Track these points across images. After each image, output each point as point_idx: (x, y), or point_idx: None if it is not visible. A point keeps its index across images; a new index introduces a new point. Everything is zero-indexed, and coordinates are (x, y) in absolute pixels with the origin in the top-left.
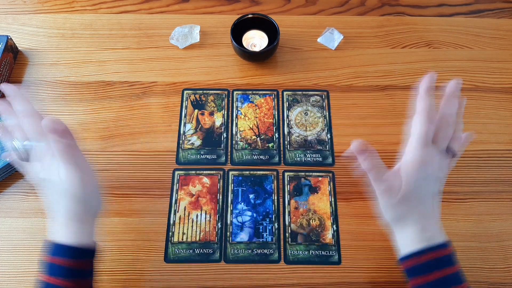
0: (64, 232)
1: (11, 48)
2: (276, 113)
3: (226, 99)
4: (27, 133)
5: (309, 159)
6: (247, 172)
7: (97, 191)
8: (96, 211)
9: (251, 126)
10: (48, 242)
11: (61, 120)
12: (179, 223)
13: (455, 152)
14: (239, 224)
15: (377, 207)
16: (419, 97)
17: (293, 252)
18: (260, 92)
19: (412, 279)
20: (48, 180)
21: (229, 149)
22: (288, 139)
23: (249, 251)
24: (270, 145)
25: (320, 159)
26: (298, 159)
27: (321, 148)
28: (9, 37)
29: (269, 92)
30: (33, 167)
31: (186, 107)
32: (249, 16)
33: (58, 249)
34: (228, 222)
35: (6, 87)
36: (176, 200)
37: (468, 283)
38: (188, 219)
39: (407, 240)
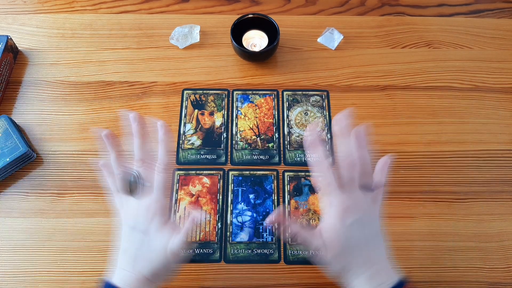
0: (130, 282)
1: (11, 48)
2: (276, 113)
3: (226, 99)
4: (157, 185)
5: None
6: (247, 172)
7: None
8: (167, 280)
9: (251, 126)
10: (108, 285)
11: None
12: (179, 223)
13: (370, 186)
14: (239, 224)
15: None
16: (307, 156)
17: (293, 252)
18: (260, 92)
19: None
20: (149, 237)
21: (229, 149)
22: (288, 139)
23: (249, 251)
24: (270, 145)
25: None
26: (298, 159)
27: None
28: (9, 37)
29: (269, 92)
30: (138, 209)
31: (186, 107)
32: (249, 16)
33: None
34: (228, 222)
35: (163, 131)
36: (176, 200)
37: None
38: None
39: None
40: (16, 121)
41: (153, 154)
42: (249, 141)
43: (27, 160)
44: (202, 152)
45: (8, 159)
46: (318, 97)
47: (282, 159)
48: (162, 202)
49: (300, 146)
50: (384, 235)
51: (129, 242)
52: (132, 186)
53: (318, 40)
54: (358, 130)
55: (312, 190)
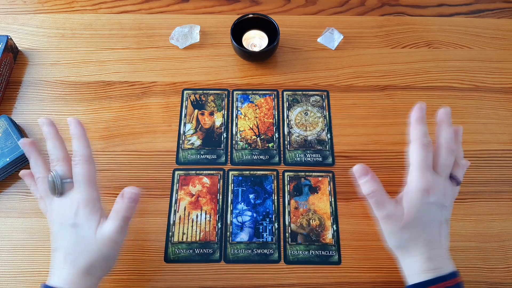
0: (70, 279)
1: (11, 48)
2: (276, 113)
3: (226, 99)
4: (77, 178)
5: (309, 159)
6: (247, 172)
7: (118, 254)
8: (108, 270)
9: (251, 126)
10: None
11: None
12: (179, 223)
13: (458, 179)
14: (239, 224)
15: (381, 233)
16: (411, 126)
17: (293, 252)
18: (260, 92)
19: None
20: (77, 229)
21: (229, 149)
22: (288, 139)
23: (249, 251)
24: (270, 145)
25: (320, 159)
26: (298, 159)
27: (321, 148)
28: (9, 37)
29: (269, 92)
30: (61, 206)
31: (186, 107)
32: (249, 16)
33: None
34: (228, 222)
35: (74, 125)
36: (176, 200)
37: None
38: (188, 219)
39: (413, 270)
40: (16, 121)
41: (69, 151)
42: (249, 141)
43: (27, 160)
44: (202, 152)
45: (8, 159)
46: (318, 97)
47: (282, 159)
48: (85, 194)
49: (300, 146)
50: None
51: (60, 240)
52: (51, 186)
53: (318, 40)
54: (457, 128)
55: (312, 190)
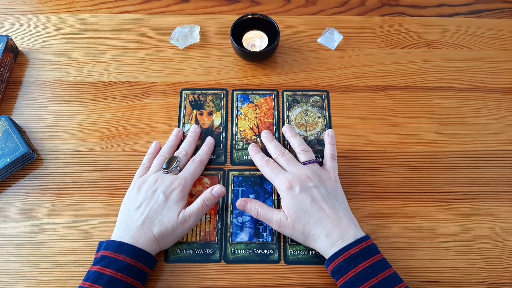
0: (137, 236)
1: (11, 48)
2: (276, 113)
3: (224, 99)
4: (185, 171)
5: None
6: (247, 173)
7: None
8: (170, 245)
9: (251, 126)
10: (118, 242)
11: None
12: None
13: (312, 161)
14: (239, 224)
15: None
16: (251, 154)
17: (293, 252)
18: (260, 92)
19: (337, 282)
20: (168, 201)
21: (229, 149)
22: None
23: (249, 251)
24: None
25: (320, 159)
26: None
27: (321, 148)
28: (9, 37)
29: (269, 92)
30: (164, 178)
31: (185, 107)
32: (249, 16)
33: (126, 248)
34: (228, 222)
35: (210, 138)
36: None
37: (393, 269)
38: None
39: (323, 251)
40: (16, 121)
41: (192, 152)
42: (249, 141)
43: (28, 161)
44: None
45: (8, 160)
46: (318, 97)
47: None
48: (186, 182)
49: None
50: (342, 197)
51: (146, 202)
52: (170, 162)
53: (318, 40)
54: (284, 129)
55: None
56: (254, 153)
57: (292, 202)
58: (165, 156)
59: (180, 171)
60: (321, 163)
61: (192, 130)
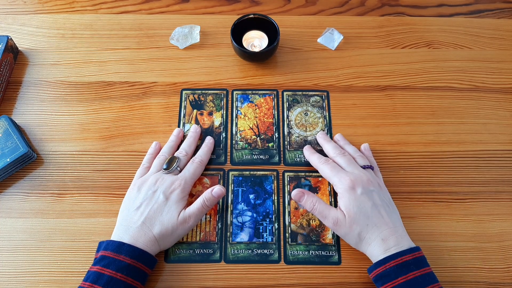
0: (137, 236)
1: (11, 48)
2: (276, 113)
3: (225, 99)
4: (185, 172)
5: None
6: (247, 173)
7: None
8: (171, 245)
9: (251, 126)
10: (117, 242)
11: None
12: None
13: (368, 166)
14: (239, 224)
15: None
16: (307, 155)
17: (293, 252)
18: (259, 92)
19: (385, 285)
20: (168, 201)
21: (229, 149)
22: (288, 140)
23: (249, 251)
24: (270, 144)
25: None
26: (298, 159)
27: (320, 149)
28: (10, 37)
29: (268, 92)
30: (164, 178)
31: (185, 107)
32: (249, 16)
33: (126, 248)
34: (228, 222)
35: (210, 138)
36: None
37: (440, 283)
38: None
39: (375, 256)
40: (16, 122)
41: (192, 152)
42: (249, 141)
43: (28, 161)
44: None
45: (8, 160)
46: (318, 97)
47: (282, 159)
48: (186, 183)
49: (300, 147)
50: (395, 207)
51: (147, 203)
52: (170, 163)
53: (318, 40)
54: (337, 138)
55: (312, 190)
56: (310, 154)
57: (353, 202)
58: (165, 156)
59: (180, 171)
60: (372, 166)
61: (192, 130)
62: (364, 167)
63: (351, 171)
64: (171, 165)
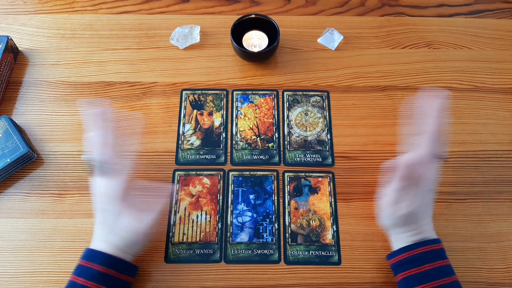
0: (107, 250)
1: (12, 49)
2: (276, 113)
3: (225, 99)
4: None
5: (309, 159)
6: (247, 173)
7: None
8: (142, 250)
9: (251, 126)
10: (88, 250)
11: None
12: (180, 224)
13: (441, 155)
14: (239, 224)
15: (379, 212)
16: (430, 117)
17: (293, 252)
18: (259, 92)
19: (402, 273)
20: (118, 216)
21: (229, 149)
22: (288, 139)
23: (249, 251)
24: (270, 145)
25: (320, 159)
26: (298, 159)
27: (321, 148)
28: (10, 38)
29: (268, 92)
30: (101, 190)
31: (185, 107)
32: (249, 16)
33: (96, 255)
34: (228, 222)
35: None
36: (176, 201)
37: (456, 276)
38: (189, 220)
39: (401, 243)
40: (16, 122)
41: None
42: (249, 141)
43: (28, 161)
44: (201, 152)
45: (8, 160)
46: (318, 98)
47: (282, 159)
48: (122, 185)
49: (300, 147)
50: (433, 194)
51: (103, 218)
52: (98, 168)
53: (318, 40)
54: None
55: (312, 190)
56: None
57: (418, 198)
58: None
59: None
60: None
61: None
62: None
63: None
64: (98, 168)
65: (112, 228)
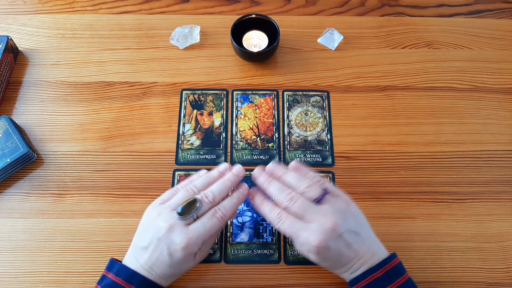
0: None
1: (12, 49)
2: (276, 113)
3: (225, 99)
4: (200, 226)
5: (309, 159)
6: (248, 173)
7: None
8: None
9: (251, 126)
10: (127, 269)
11: None
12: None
13: (319, 198)
14: (239, 224)
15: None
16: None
17: (294, 252)
18: (259, 92)
19: None
20: (171, 257)
21: (229, 149)
22: (288, 139)
23: (249, 251)
24: (270, 145)
25: (320, 159)
26: (298, 159)
27: (321, 148)
28: (10, 38)
29: (268, 92)
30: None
31: (185, 107)
32: (249, 16)
33: (136, 278)
34: (228, 222)
35: (244, 187)
36: None
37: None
38: None
39: (345, 276)
40: (16, 122)
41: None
42: (249, 141)
43: (28, 161)
44: (201, 152)
45: (8, 160)
46: (318, 98)
47: (282, 159)
48: (194, 242)
49: (300, 147)
50: (362, 218)
51: (153, 248)
52: (187, 208)
53: (318, 40)
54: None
55: None
56: (259, 205)
57: (323, 259)
58: (190, 193)
59: (196, 219)
60: (326, 190)
61: (235, 173)
62: (319, 200)
63: (310, 220)
64: (188, 211)
65: (166, 267)
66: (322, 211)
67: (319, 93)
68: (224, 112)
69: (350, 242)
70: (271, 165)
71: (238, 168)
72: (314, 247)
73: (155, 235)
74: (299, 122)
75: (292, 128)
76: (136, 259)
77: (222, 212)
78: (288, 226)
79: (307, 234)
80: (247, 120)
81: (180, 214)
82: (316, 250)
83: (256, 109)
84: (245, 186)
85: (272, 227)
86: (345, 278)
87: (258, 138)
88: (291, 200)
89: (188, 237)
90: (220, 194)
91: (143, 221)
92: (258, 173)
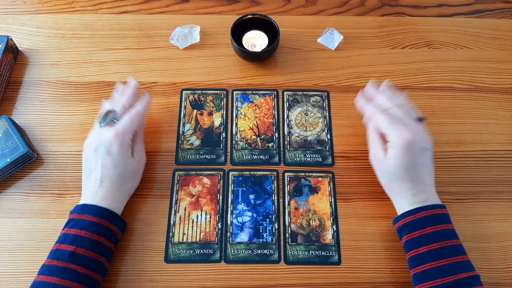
0: (103, 196)
1: (12, 49)
2: (276, 113)
3: (225, 99)
4: (122, 121)
5: (309, 159)
6: (247, 173)
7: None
8: (136, 185)
9: (251, 126)
10: (79, 205)
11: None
12: (179, 224)
13: (422, 118)
14: (239, 224)
15: (376, 173)
16: (364, 108)
17: (293, 252)
18: (259, 92)
19: (406, 236)
20: (111, 156)
21: (229, 149)
22: (288, 139)
23: (249, 251)
24: (270, 144)
25: (320, 159)
26: (298, 159)
27: (321, 148)
28: (10, 38)
29: (268, 92)
30: (100, 135)
31: (185, 107)
32: (249, 16)
33: (87, 208)
34: (228, 222)
35: (147, 97)
36: (176, 201)
37: (460, 240)
38: (189, 220)
39: (402, 205)
40: (16, 122)
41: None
42: (249, 141)
43: (28, 161)
44: (201, 152)
45: (8, 160)
46: (318, 97)
47: (282, 159)
48: (124, 132)
49: (300, 146)
50: (433, 163)
51: (94, 165)
52: (105, 116)
53: (318, 40)
54: (385, 86)
55: (312, 190)
56: (363, 104)
57: (406, 159)
58: (106, 108)
59: (113, 121)
60: (423, 119)
61: (132, 86)
62: (419, 120)
63: (408, 124)
64: (106, 118)
65: (112, 170)
66: (418, 125)
67: (319, 93)
68: (224, 112)
69: (426, 164)
70: (386, 83)
71: (133, 82)
72: (406, 140)
73: (92, 152)
74: (299, 122)
75: (292, 128)
76: (87, 191)
77: (135, 109)
78: (389, 119)
79: (402, 128)
80: (247, 120)
81: (101, 123)
82: (407, 144)
83: (256, 109)
84: (147, 94)
85: (272, 227)
86: (402, 207)
87: (258, 138)
88: (398, 105)
89: (115, 128)
90: (127, 101)
91: (83, 158)
92: (367, 87)
